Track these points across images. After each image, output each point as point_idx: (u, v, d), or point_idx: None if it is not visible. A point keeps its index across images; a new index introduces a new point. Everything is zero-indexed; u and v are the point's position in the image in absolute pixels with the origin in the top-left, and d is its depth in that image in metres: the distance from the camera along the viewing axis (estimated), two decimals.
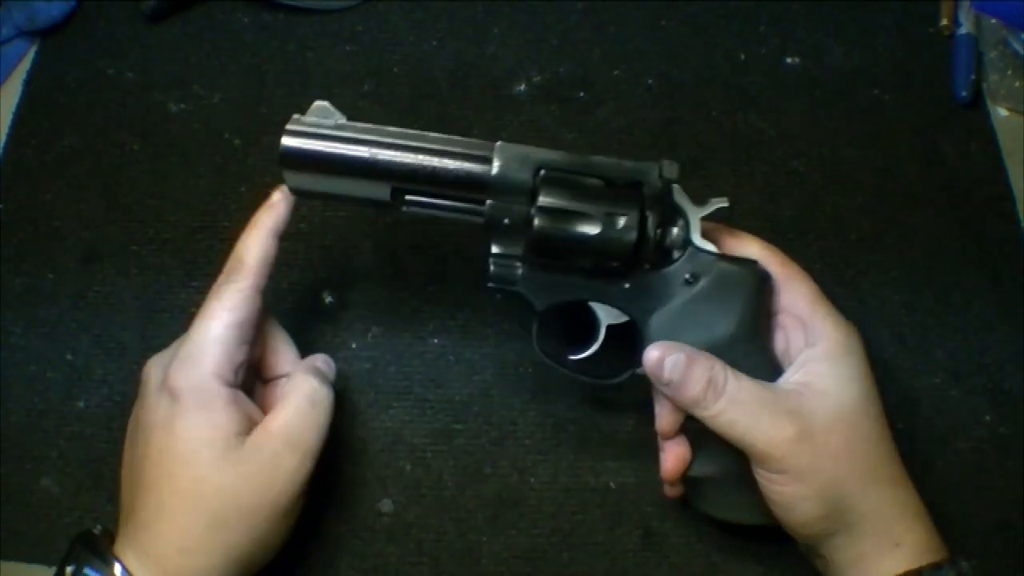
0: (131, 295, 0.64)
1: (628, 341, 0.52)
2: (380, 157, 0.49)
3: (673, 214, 0.51)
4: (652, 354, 0.49)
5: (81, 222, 0.66)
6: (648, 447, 0.56)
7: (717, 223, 0.53)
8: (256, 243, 0.51)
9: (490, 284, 0.50)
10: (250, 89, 0.71)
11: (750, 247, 0.53)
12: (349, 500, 0.57)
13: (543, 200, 0.48)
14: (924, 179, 0.68)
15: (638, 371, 0.51)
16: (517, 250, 0.50)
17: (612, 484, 0.58)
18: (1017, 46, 0.71)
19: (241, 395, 0.49)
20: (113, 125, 0.70)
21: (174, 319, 0.63)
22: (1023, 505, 0.57)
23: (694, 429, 0.51)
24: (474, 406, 0.60)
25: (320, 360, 0.54)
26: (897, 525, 0.48)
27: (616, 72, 0.72)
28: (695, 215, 0.51)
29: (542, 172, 0.49)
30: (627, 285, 0.50)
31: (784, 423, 0.47)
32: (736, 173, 0.68)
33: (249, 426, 0.48)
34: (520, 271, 0.50)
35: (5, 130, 0.70)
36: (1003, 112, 0.71)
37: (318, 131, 0.49)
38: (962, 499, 0.57)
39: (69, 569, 0.44)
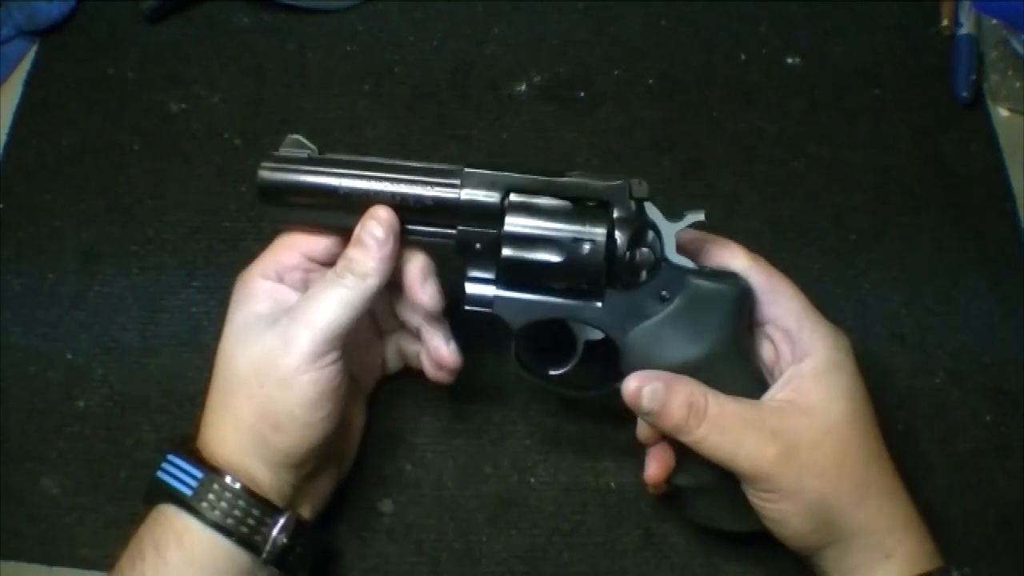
0: (131, 295, 0.64)
1: (609, 354, 0.51)
2: (351, 187, 0.49)
3: (645, 232, 0.50)
4: (630, 385, 0.49)
5: (81, 222, 0.66)
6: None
7: (703, 233, 0.53)
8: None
9: (465, 307, 0.51)
10: (250, 89, 0.71)
11: (735, 258, 0.52)
12: (349, 500, 0.57)
13: (509, 227, 0.49)
14: (924, 179, 0.68)
15: (619, 385, 0.51)
16: (490, 273, 0.50)
17: (612, 484, 0.58)
18: (1017, 46, 0.71)
19: (281, 288, 0.51)
20: (113, 125, 0.70)
21: (174, 319, 0.63)
22: (1023, 505, 0.57)
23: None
24: (474, 406, 0.60)
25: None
26: (888, 537, 0.48)
27: (616, 72, 0.72)
28: (669, 231, 0.51)
29: (510, 196, 0.49)
30: (600, 304, 0.50)
31: (768, 443, 0.47)
32: (736, 173, 0.68)
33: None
34: (495, 293, 0.50)
35: (5, 130, 0.70)
36: (1003, 112, 0.71)
37: (291, 164, 0.50)
38: (962, 499, 0.57)
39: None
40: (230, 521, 0.47)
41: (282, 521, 0.48)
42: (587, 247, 0.49)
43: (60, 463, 0.58)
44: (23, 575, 0.56)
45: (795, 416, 0.48)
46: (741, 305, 0.50)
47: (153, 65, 0.73)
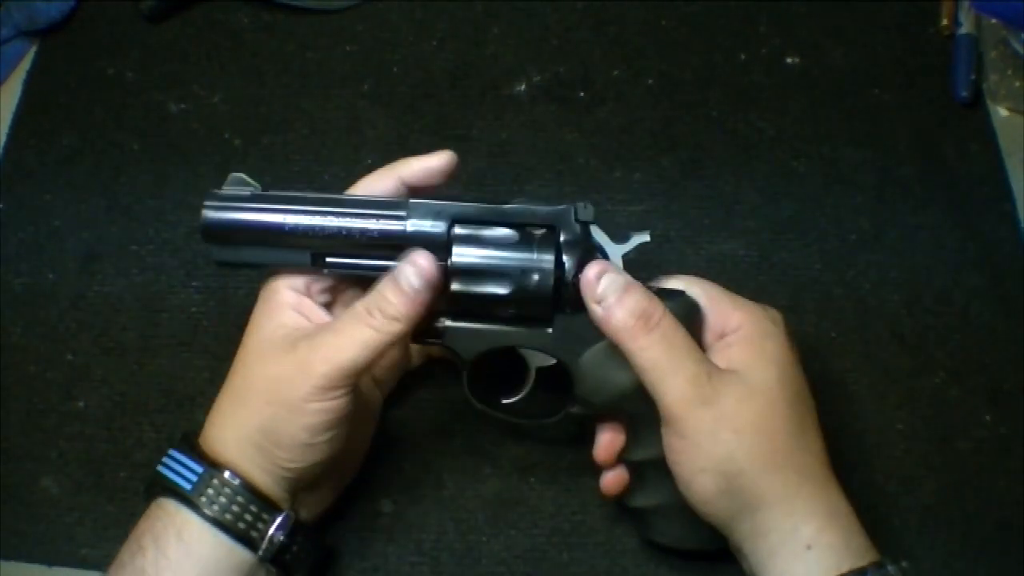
0: (131, 295, 0.64)
1: (561, 381, 0.51)
2: (295, 223, 0.49)
3: (592, 255, 0.50)
4: (590, 271, 0.49)
5: (81, 222, 0.66)
6: None
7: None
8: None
9: (415, 340, 0.50)
10: (250, 89, 0.71)
11: (673, 279, 0.52)
12: (349, 500, 0.57)
13: (456, 259, 0.48)
14: (924, 179, 0.68)
15: (572, 411, 0.51)
16: (441, 304, 0.50)
17: None
18: (1017, 46, 0.71)
19: (307, 303, 0.51)
20: (113, 125, 0.70)
21: (174, 319, 0.63)
22: (1023, 505, 0.57)
23: (633, 462, 0.51)
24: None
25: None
26: (807, 525, 0.46)
27: (616, 72, 0.72)
28: (616, 253, 0.51)
29: (455, 228, 0.49)
30: (550, 330, 0.50)
31: (699, 383, 0.47)
32: (735, 173, 0.68)
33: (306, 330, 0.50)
34: (445, 324, 0.50)
35: (5, 130, 0.70)
36: (1003, 112, 0.71)
37: (234, 203, 0.50)
38: (962, 499, 0.57)
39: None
40: (228, 517, 0.47)
41: (280, 519, 0.48)
42: (535, 276, 0.48)
43: (60, 463, 0.58)
44: (23, 575, 0.56)
45: (724, 375, 0.48)
46: (690, 320, 0.50)
47: (153, 65, 0.73)
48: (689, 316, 0.50)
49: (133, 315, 0.63)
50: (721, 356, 0.49)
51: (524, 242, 0.49)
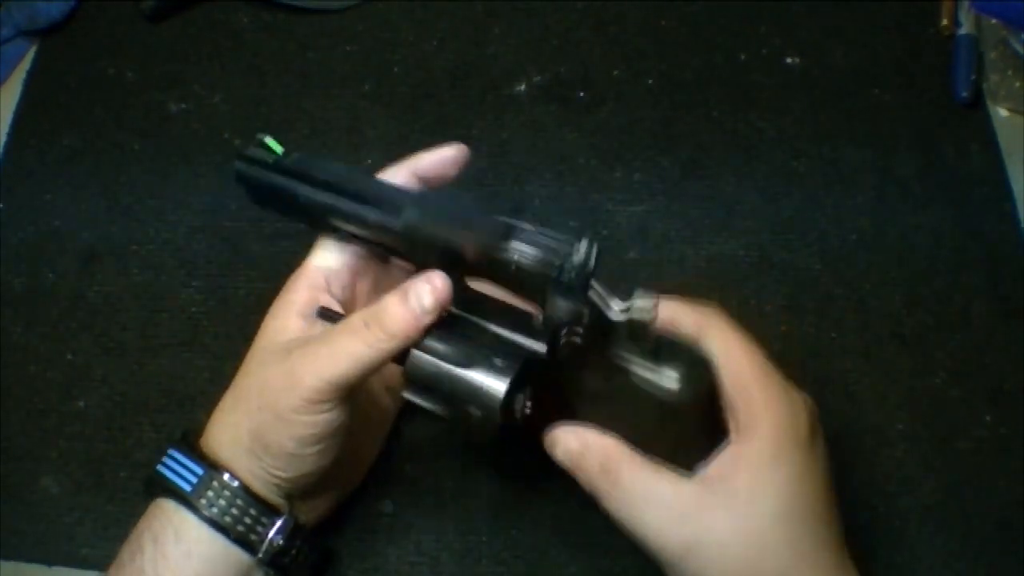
0: (131, 295, 0.64)
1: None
2: (306, 197, 0.48)
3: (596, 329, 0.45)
4: (550, 435, 0.46)
5: (81, 222, 0.66)
6: None
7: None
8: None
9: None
10: (250, 89, 0.71)
11: (684, 320, 0.46)
12: (349, 500, 0.57)
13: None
14: (923, 179, 0.68)
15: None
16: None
17: None
18: (1017, 46, 0.71)
19: (325, 298, 0.49)
20: (113, 125, 0.70)
21: (174, 319, 0.63)
22: (1023, 505, 0.57)
23: None
24: None
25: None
26: None
27: (616, 72, 0.72)
28: (617, 313, 0.45)
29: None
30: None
31: (673, 528, 0.43)
32: (736, 173, 0.68)
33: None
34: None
35: (5, 130, 0.70)
36: (1003, 112, 0.71)
37: (258, 165, 0.50)
38: (962, 499, 0.57)
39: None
40: (227, 519, 0.46)
41: (279, 523, 0.48)
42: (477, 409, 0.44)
43: (60, 463, 0.58)
44: (23, 575, 0.56)
45: (712, 503, 0.42)
46: (695, 384, 0.44)
47: (153, 65, 0.73)
48: (693, 382, 0.44)
49: (133, 315, 0.63)
50: (722, 467, 0.43)
51: (478, 361, 0.44)
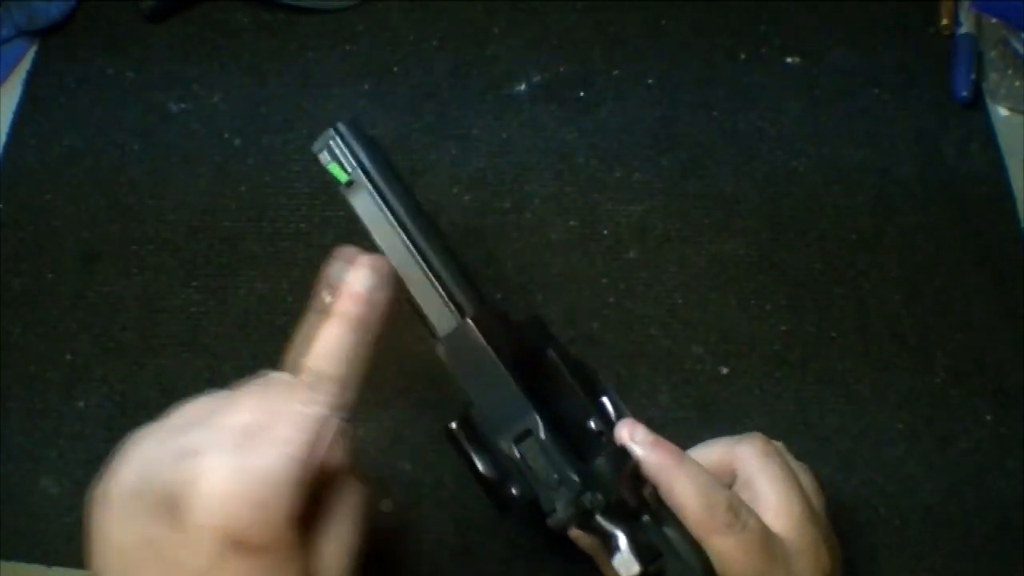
0: (131, 295, 0.64)
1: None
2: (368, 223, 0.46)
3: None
4: (622, 431, 0.45)
5: (81, 222, 0.66)
6: None
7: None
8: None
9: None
10: (250, 89, 0.71)
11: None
12: None
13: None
14: (924, 179, 0.68)
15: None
16: None
17: None
18: (1017, 46, 0.71)
19: None
20: (113, 125, 0.70)
21: (174, 319, 0.63)
22: (1023, 505, 0.57)
23: None
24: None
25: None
26: None
27: (616, 72, 0.72)
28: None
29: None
30: None
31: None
32: (736, 173, 0.68)
33: None
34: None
35: (5, 130, 0.70)
36: (1003, 112, 0.71)
37: (342, 153, 0.47)
38: (962, 499, 0.57)
39: None
40: None
41: None
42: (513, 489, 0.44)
43: (60, 463, 0.58)
44: (23, 575, 0.56)
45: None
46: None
47: (153, 65, 0.73)
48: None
49: (133, 315, 0.63)
50: None
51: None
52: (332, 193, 0.67)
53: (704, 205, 0.67)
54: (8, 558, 0.56)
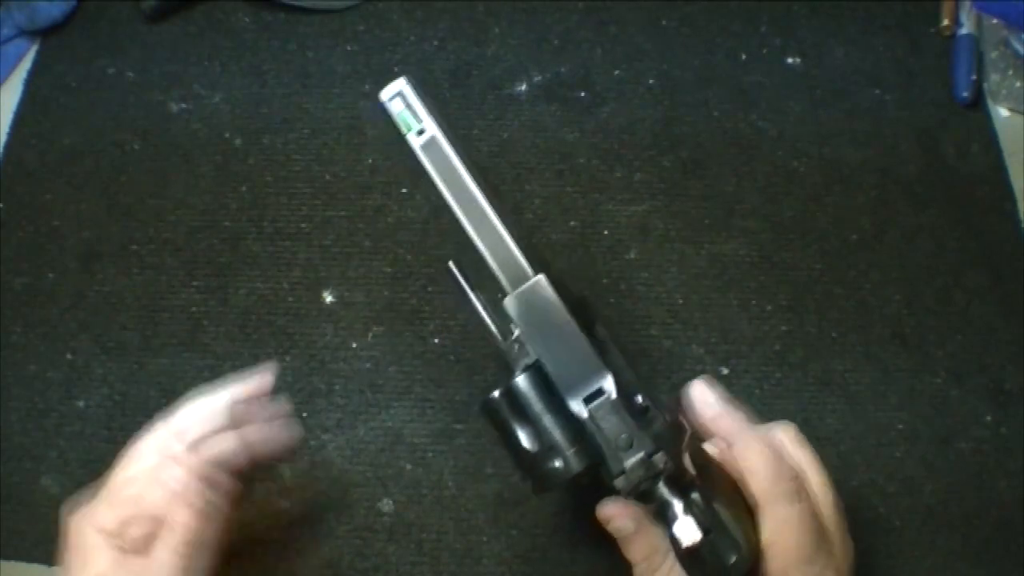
0: (131, 295, 0.64)
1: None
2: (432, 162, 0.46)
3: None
4: (606, 510, 0.46)
5: (81, 222, 0.66)
6: None
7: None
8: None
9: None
10: (250, 89, 0.71)
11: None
12: (349, 500, 0.57)
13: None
14: (924, 179, 0.68)
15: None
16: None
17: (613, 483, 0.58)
18: (1018, 46, 0.71)
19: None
20: (113, 125, 0.70)
21: (174, 319, 0.63)
22: (1023, 505, 0.57)
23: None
24: (474, 406, 0.60)
25: None
26: None
27: (617, 72, 0.72)
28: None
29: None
30: None
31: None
32: (736, 173, 0.68)
33: None
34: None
35: (5, 130, 0.70)
36: (1004, 112, 0.71)
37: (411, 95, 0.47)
38: (962, 499, 0.57)
39: None
40: None
41: None
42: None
43: (60, 463, 0.58)
44: (23, 575, 0.56)
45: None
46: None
47: (153, 65, 0.73)
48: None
49: (133, 315, 0.63)
50: None
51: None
52: (332, 192, 0.67)
53: (705, 205, 0.67)
54: (8, 558, 0.56)
